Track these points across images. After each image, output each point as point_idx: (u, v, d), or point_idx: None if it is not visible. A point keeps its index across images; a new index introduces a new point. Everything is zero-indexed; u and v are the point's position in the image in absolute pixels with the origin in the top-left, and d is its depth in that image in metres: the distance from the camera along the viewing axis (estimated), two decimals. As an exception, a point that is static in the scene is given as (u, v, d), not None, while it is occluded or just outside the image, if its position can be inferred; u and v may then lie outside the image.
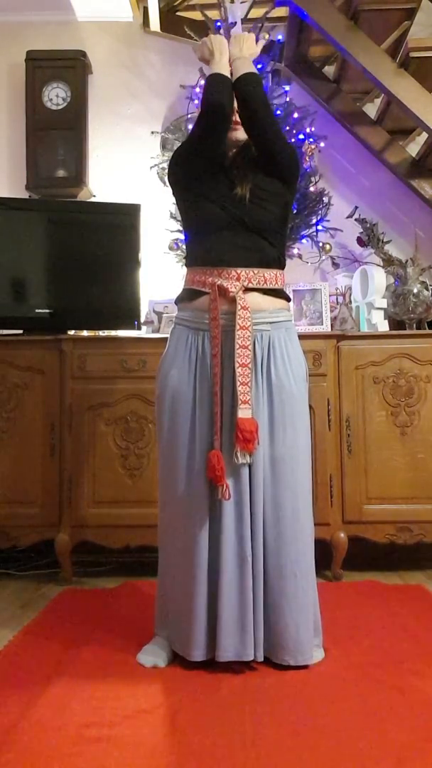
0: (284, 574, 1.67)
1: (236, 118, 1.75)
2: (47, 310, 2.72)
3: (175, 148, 3.00)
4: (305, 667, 1.68)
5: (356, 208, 3.12)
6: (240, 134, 1.77)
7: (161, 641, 1.77)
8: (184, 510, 1.70)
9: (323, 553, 2.25)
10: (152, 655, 1.73)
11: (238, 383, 1.64)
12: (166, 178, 3.01)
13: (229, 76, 1.75)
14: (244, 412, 1.63)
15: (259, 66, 2.77)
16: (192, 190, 1.76)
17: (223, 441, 1.67)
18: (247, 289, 1.70)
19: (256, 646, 1.65)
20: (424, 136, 2.91)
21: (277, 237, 1.76)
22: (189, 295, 1.78)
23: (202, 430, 1.69)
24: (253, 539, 1.66)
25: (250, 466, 1.67)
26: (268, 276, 1.73)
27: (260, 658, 1.67)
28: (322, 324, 2.69)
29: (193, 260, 1.79)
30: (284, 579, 1.67)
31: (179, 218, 2.74)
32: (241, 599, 1.64)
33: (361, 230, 3.05)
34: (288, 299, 1.83)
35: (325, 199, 2.93)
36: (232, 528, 1.65)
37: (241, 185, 1.72)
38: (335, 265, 3.15)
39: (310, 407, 1.97)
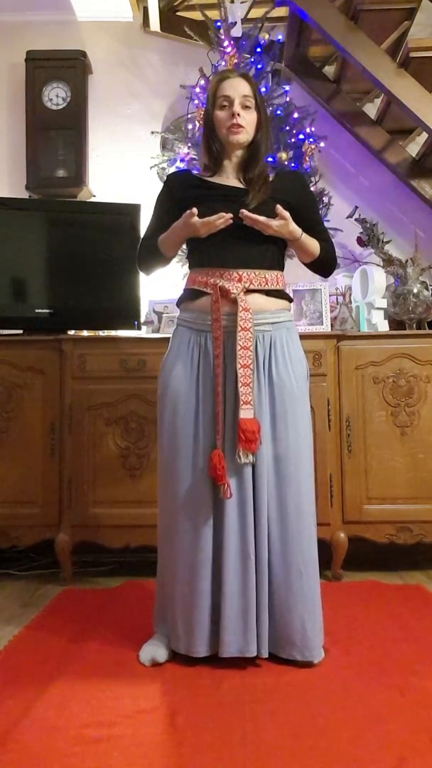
0: (290, 570, 1.68)
1: (236, 121, 1.73)
2: (47, 310, 2.72)
3: (175, 148, 3.02)
4: (309, 664, 1.68)
5: (356, 208, 3.11)
6: (242, 137, 1.76)
7: (160, 637, 1.77)
8: (187, 508, 1.70)
9: (323, 553, 2.25)
10: (152, 649, 1.74)
11: (240, 384, 1.65)
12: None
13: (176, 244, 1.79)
14: (245, 413, 1.64)
15: (259, 66, 2.77)
16: (189, 202, 1.76)
17: (225, 441, 1.68)
18: (248, 291, 1.71)
19: (260, 643, 1.66)
20: (424, 136, 2.92)
21: (279, 241, 1.76)
22: (191, 296, 1.78)
23: (204, 429, 1.70)
24: (256, 537, 1.67)
25: (253, 465, 1.67)
26: (269, 277, 1.74)
27: (264, 655, 1.67)
28: (322, 324, 2.69)
29: (194, 262, 1.80)
30: (290, 575, 1.68)
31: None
32: (244, 596, 1.65)
33: (361, 230, 3.05)
34: (290, 300, 1.84)
35: (325, 199, 2.93)
36: (235, 526, 1.66)
37: (252, 194, 1.72)
38: (335, 265, 3.15)
39: (311, 407, 1.97)
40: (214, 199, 1.73)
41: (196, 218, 1.66)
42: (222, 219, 1.65)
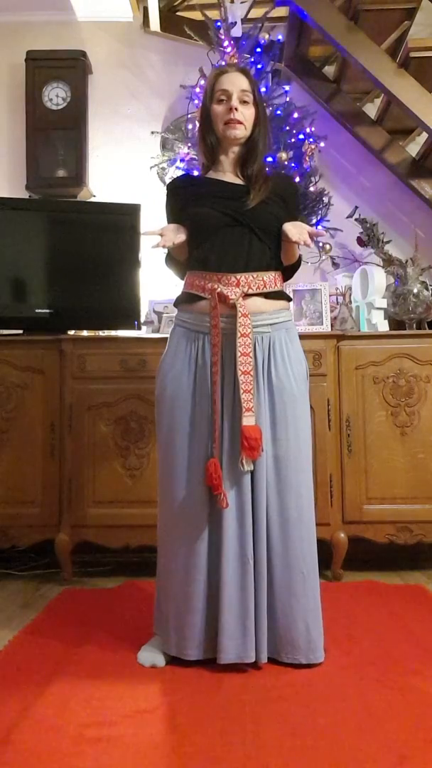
0: (292, 574, 1.67)
1: (233, 116, 1.72)
2: (47, 310, 2.72)
3: (175, 148, 3.02)
4: (311, 665, 1.68)
5: (356, 208, 3.12)
6: (239, 132, 1.75)
7: (160, 641, 1.77)
8: (183, 513, 1.70)
9: (323, 553, 2.25)
10: (151, 655, 1.73)
11: (241, 391, 1.63)
12: (166, 178, 3.04)
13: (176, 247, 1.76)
14: (248, 420, 1.63)
15: (259, 66, 2.78)
16: (192, 200, 1.75)
17: (222, 448, 1.66)
18: (247, 295, 1.69)
19: (259, 649, 1.65)
20: (424, 136, 2.92)
21: (277, 240, 1.75)
22: (188, 299, 1.77)
23: (200, 435, 1.69)
24: (255, 542, 1.66)
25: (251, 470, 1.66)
26: (267, 279, 1.72)
27: (264, 660, 1.66)
28: (322, 324, 2.69)
29: (192, 264, 1.77)
30: (293, 579, 1.67)
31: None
32: (243, 602, 1.64)
33: (361, 230, 3.06)
34: (288, 299, 1.83)
35: (325, 199, 2.93)
36: (233, 531, 1.65)
37: (254, 193, 1.72)
38: (335, 265, 3.16)
39: (311, 407, 1.97)
40: (215, 197, 1.73)
41: (154, 238, 1.69)
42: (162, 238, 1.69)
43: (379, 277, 2.73)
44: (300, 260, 1.88)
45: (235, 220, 1.70)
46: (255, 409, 1.65)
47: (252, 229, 1.70)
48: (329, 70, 3.23)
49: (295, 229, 1.66)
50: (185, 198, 1.77)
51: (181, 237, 1.71)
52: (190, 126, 2.91)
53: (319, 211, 2.91)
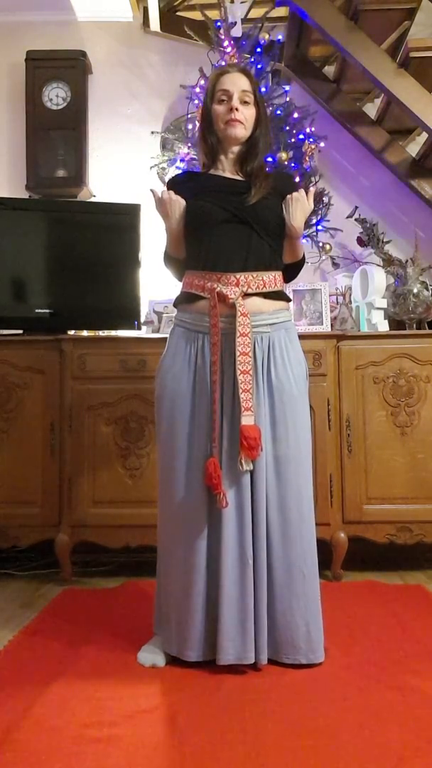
0: (292, 574, 1.67)
1: (234, 115, 1.73)
2: (47, 310, 2.72)
3: (175, 148, 3.02)
4: (311, 666, 1.67)
5: (356, 208, 3.12)
6: (239, 131, 1.75)
7: (160, 641, 1.77)
8: (183, 514, 1.69)
9: (323, 553, 2.25)
10: (151, 655, 1.73)
11: (240, 390, 1.63)
12: (166, 178, 3.04)
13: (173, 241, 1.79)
14: (246, 419, 1.63)
15: (259, 66, 2.78)
16: (190, 195, 1.75)
17: (222, 447, 1.66)
18: (246, 294, 1.69)
19: (259, 650, 1.65)
20: (424, 136, 2.92)
21: (277, 238, 1.75)
22: (188, 298, 1.76)
23: (200, 434, 1.69)
24: (255, 542, 1.66)
25: (251, 470, 1.66)
26: (267, 279, 1.72)
27: (263, 662, 1.66)
28: (322, 324, 2.69)
29: (191, 263, 1.77)
30: (292, 579, 1.67)
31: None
32: (242, 602, 1.64)
33: (361, 230, 3.06)
34: (288, 299, 1.82)
35: (325, 199, 2.93)
36: (233, 531, 1.65)
37: (255, 189, 1.72)
38: (335, 265, 3.16)
39: (310, 407, 1.97)
40: (215, 192, 1.73)
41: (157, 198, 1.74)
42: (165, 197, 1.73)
43: (379, 277, 2.73)
44: (303, 259, 1.87)
45: (235, 216, 1.70)
46: (254, 409, 1.65)
47: (252, 225, 1.70)
48: (329, 70, 3.24)
49: (294, 196, 1.71)
50: (185, 193, 1.76)
51: (181, 202, 1.73)
52: (190, 126, 2.91)
53: (319, 211, 2.91)
